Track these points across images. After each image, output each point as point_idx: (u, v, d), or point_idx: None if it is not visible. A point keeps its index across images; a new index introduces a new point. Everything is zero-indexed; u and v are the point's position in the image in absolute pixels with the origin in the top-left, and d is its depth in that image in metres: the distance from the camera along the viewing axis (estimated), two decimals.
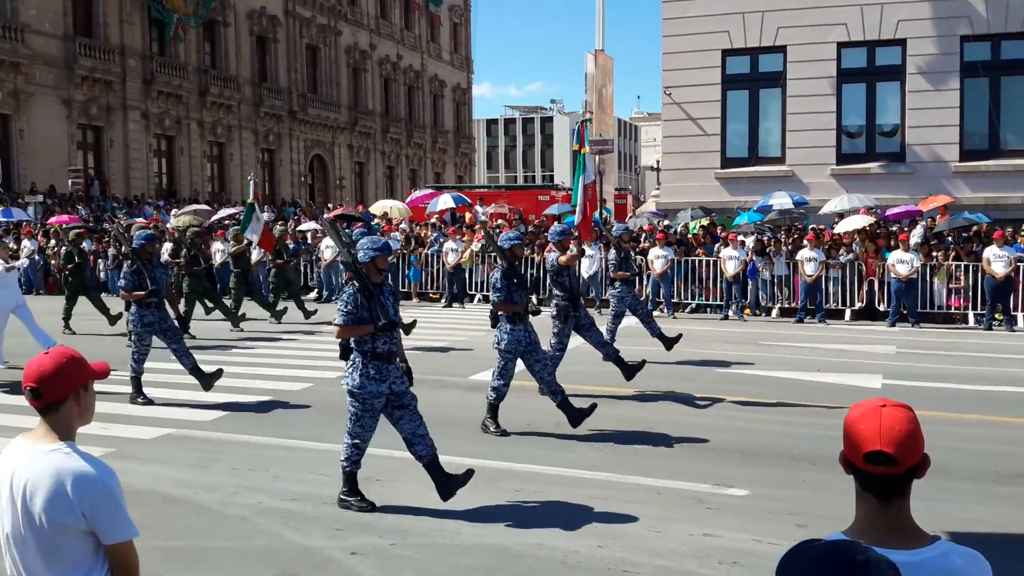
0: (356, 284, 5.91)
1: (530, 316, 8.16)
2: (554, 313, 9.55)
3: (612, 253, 12.06)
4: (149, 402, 9.39)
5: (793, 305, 17.70)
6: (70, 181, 34.07)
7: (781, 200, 21.10)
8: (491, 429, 8.09)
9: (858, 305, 17.57)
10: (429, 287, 21.18)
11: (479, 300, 20.70)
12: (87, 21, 37.21)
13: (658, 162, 45.36)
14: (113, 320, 15.15)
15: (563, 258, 9.37)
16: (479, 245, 20.79)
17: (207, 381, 9.56)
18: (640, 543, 5.35)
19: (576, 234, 11.37)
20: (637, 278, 14.14)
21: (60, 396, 2.50)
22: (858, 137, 23.68)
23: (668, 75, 24.33)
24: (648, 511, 5.93)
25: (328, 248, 21.46)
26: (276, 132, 48.03)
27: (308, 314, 16.70)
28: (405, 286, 21.32)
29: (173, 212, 29.29)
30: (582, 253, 10.77)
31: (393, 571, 4.95)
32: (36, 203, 29.72)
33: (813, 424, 8.58)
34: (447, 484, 5.93)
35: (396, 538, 5.43)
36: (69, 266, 15.69)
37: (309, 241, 23.27)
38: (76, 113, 36.29)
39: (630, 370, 9.97)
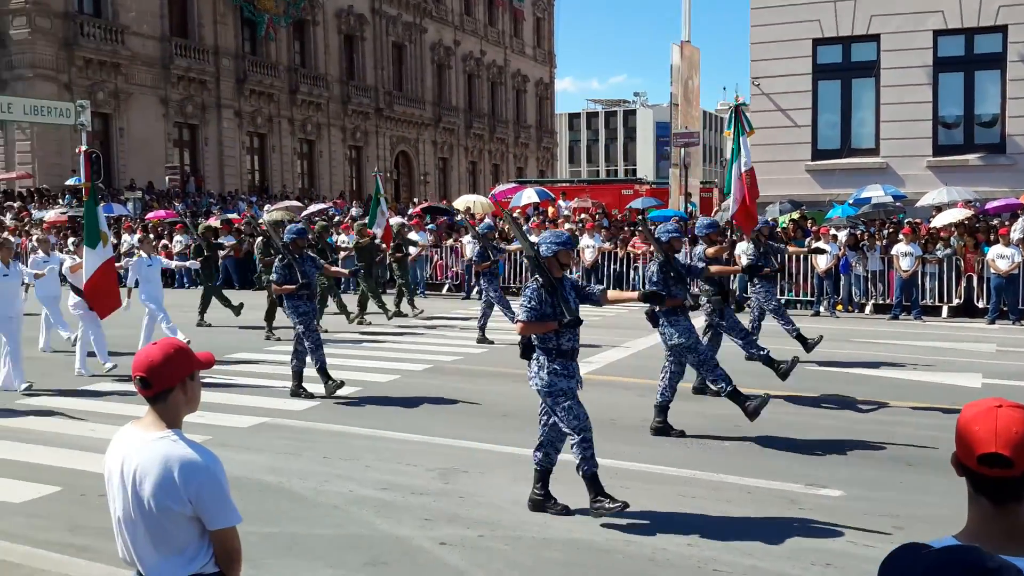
0: (539, 279, 5.70)
1: (690, 311, 7.93)
2: (710, 309, 9.40)
3: (750, 247, 11.62)
4: (311, 396, 9.39)
5: (888, 301, 17.17)
6: (167, 178, 35.36)
7: (875, 193, 20.49)
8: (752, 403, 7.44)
9: (956, 301, 16.93)
10: (513, 282, 21.24)
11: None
12: (183, 22, 38.50)
13: None
14: (202, 323, 15.31)
15: (711, 250, 9.23)
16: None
17: (299, 389, 9.52)
18: (730, 542, 5.27)
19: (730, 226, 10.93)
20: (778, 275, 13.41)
21: (168, 385, 2.59)
22: (955, 128, 22.78)
23: (756, 65, 23.82)
24: (738, 510, 5.83)
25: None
26: (363, 129, 48.87)
27: (392, 315, 16.35)
28: None
29: (266, 208, 30.09)
30: (733, 246, 10.42)
31: (481, 562, 4.99)
32: (135, 199, 30.92)
33: (910, 423, 8.31)
34: (542, 500, 5.80)
35: (484, 530, 5.47)
36: (199, 259, 15.82)
37: None
38: (172, 112, 37.61)
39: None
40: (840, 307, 17.56)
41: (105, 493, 6.25)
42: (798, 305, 18.19)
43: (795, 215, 20.78)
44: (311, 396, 9.39)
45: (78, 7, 34.28)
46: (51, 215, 26.91)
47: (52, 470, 6.84)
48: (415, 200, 41.60)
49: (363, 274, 15.76)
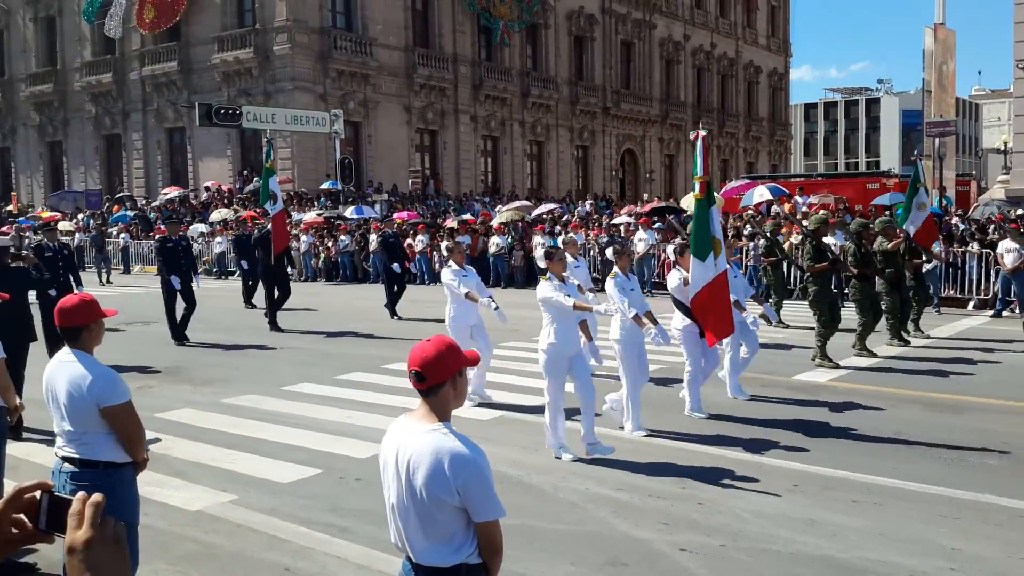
0: None
1: None
2: None
3: None
4: None
5: None
6: (410, 181, 37.48)
7: None
8: None
9: None
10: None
11: (797, 296, 19.76)
12: (424, 33, 40.59)
13: (1006, 144, 40.49)
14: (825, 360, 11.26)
15: None
16: (799, 237, 19.87)
17: None
18: (1001, 570, 4.81)
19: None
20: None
21: (440, 380, 2.74)
22: None
23: (1022, 47, 21.63)
24: (1009, 536, 5.31)
25: (641, 241, 21.62)
26: (590, 129, 49.27)
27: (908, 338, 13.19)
28: None
29: (498, 208, 31.10)
30: None
31: (725, 573, 4.87)
32: (381, 201, 32.97)
33: None
34: None
35: (726, 539, 5.33)
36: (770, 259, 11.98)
37: (623, 234, 23.59)
38: (415, 118, 39.76)
39: None
40: None
41: (360, 478, 6.69)
42: None
43: None
44: None
45: (332, 22, 37.03)
46: (309, 217, 29.26)
47: (314, 453, 7.41)
48: (645, 197, 41.40)
49: (888, 286, 12.43)
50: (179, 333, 13.61)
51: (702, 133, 8.42)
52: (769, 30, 64.58)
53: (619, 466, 6.86)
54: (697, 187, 8.56)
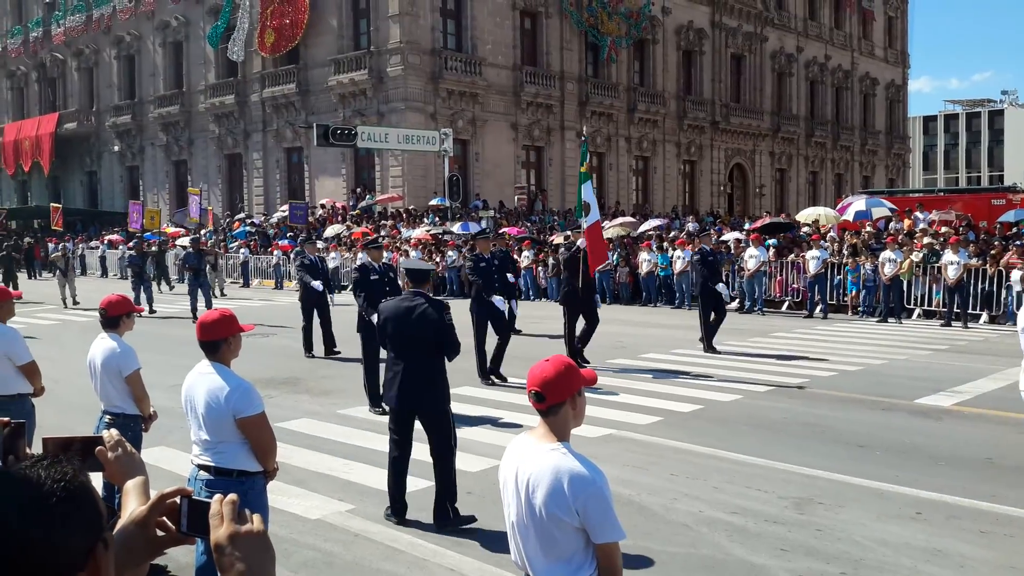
0: None
1: None
2: None
3: None
4: None
5: None
6: (516, 197, 37.78)
7: None
8: None
9: None
10: (863, 301, 19.92)
11: (918, 316, 19.02)
12: (532, 51, 40.94)
13: None
14: None
15: None
16: (920, 254, 19.14)
17: None
18: None
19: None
20: None
21: (560, 399, 2.79)
22: None
23: None
24: None
25: (752, 258, 21.21)
26: (698, 143, 48.66)
27: None
28: (835, 298, 20.34)
29: (603, 224, 30.97)
30: None
31: None
32: (488, 217, 33.34)
33: None
34: None
35: (846, 567, 5.18)
36: None
37: (732, 251, 23.19)
38: (521, 136, 40.11)
39: None
40: None
41: (471, 491, 6.79)
42: None
43: None
44: None
45: (443, 43, 37.78)
46: (417, 233, 29.85)
47: (425, 465, 7.49)
48: (757, 214, 40.57)
49: None
50: (491, 370, 11.52)
51: None
52: (886, 41, 62.51)
53: (732, 490, 6.75)
54: None
